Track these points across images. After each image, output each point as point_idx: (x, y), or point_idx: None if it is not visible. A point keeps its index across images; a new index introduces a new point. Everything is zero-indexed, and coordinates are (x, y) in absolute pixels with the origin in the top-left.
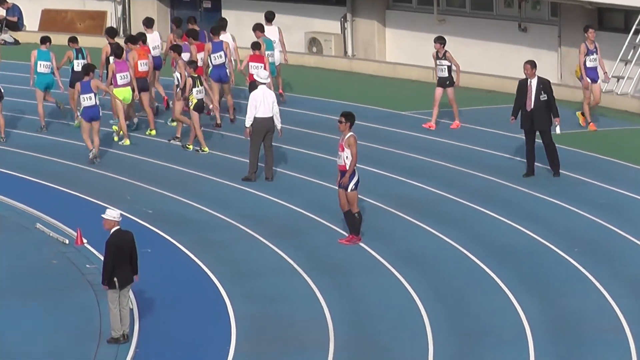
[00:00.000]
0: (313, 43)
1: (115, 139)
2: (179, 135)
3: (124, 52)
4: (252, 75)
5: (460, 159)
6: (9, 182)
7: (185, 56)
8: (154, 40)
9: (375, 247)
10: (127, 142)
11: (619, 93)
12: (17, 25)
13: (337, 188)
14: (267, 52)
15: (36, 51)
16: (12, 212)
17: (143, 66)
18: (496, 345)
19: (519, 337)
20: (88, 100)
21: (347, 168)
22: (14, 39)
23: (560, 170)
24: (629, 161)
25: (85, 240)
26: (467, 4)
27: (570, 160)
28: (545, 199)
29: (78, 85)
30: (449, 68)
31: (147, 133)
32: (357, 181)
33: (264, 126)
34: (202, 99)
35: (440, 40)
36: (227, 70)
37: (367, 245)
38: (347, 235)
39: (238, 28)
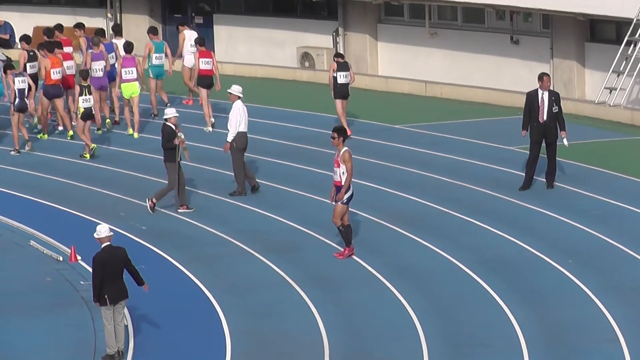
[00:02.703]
0: (305, 58)
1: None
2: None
3: (133, 48)
4: (202, 70)
5: (453, 172)
6: (3, 200)
7: (100, 64)
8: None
9: (369, 260)
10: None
11: (611, 104)
12: (9, 43)
13: (331, 203)
14: (154, 55)
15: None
16: (6, 229)
17: (56, 74)
18: (491, 357)
19: (513, 349)
20: None
21: (343, 183)
22: (6, 56)
23: (554, 182)
24: (622, 172)
25: (79, 257)
26: (459, 17)
27: (563, 172)
28: (538, 211)
29: None
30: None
31: (67, 137)
32: (351, 196)
33: (245, 140)
34: (90, 107)
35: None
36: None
37: (361, 258)
38: (342, 249)
39: (230, 43)
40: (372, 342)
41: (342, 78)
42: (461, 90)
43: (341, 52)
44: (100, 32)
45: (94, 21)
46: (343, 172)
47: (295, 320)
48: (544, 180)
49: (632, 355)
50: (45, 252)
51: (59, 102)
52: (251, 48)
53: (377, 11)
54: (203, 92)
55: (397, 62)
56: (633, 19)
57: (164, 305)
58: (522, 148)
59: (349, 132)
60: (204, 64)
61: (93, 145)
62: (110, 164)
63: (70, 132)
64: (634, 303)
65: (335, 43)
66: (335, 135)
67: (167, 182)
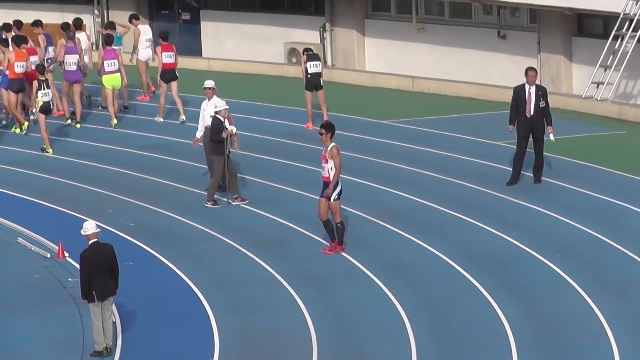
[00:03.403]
0: (292, 53)
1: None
2: None
3: (113, 40)
4: (166, 64)
5: (440, 167)
6: None
7: (74, 58)
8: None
9: (358, 256)
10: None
11: (598, 99)
12: None
13: (318, 198)
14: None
15: None
16: None
17: (20, 68)
18: (480, 352)
19: (502, 344)
20: None
21: (331, 179)
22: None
23: (541, 177)
24: (609, 167)
25: (66, 254)
26: (446, 12)
27: (550, 166)
28: (526, 206)
29: None
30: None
31: (13, 130)
32: (340, 191)
33: None
34: (48, 101)
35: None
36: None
37: (349, 254)
38: (329, 244)
39: (217, 39)
40: (360, 338)
41: (312, 68)
42: (448, 86)
43: (311, 47)
44: (66, 26)
45: (81, 17)
46: (331, 168)
47: (283, 317)
48: (532, 175)
49: (620, 349)
50: (32, 249)
51: (21, 96)
52: (238, 44)
53: (364, 6)
54: (164, 86)
55: (384, 58)
56: (620, 14)
57: (152, 302)
58: (509, 143)
59: (311, 126)
60: (167, 58)
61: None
62: (97, 160)
63: (17, 130)
64: (622, 297)
65: (323, 39)
66: (323, 131)
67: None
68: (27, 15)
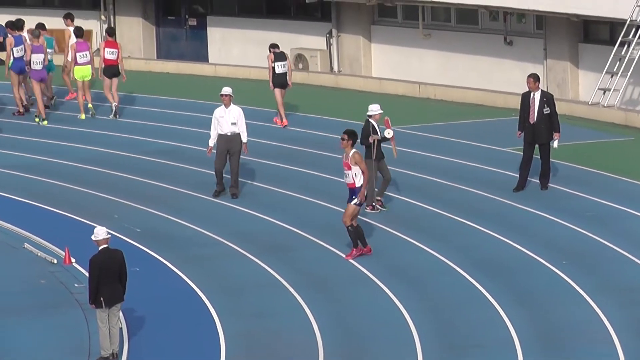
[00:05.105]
0: (299, 59)
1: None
2: None
3: (84, 33)
4: (107, 60)
5: (447, 173)
6: None
7: (39, 57)
8: None
9: (363, 261)
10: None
11: (605, 105)
12: (2, 45)
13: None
14: (49, 50)
15: None
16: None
17: None
18: (485, 358)
19: (508, 350)
20: None
21: (357, 185)
22: (0, 59)
23: (548, 184)
24: (616, 173)
25: (73, 260)
26: (453, 18)
27: (557, 173)
28: (532, 212)
29: None
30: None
31: None
32: (365, 197)
33: None
34: None
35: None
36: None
37: (355, 260)
38: (352, 250)
39: (224, 44)
40: (366, 344)
41: (279, 68)
42: (455, 92)
43: (279, 48)
44: (19, 23)
45: (87, 23)
46: (355, 174)
47: (289, 322)
48: (538, 181)
49: (626, 355)
50: (39, 254)
51: None
52: (245, 49)
53: (370, 12)
54: (107, 81)
55: (390, 64)
56: (626, 20)
57: (158, 308)
58: (515, 149)
59: (285, 123)
60: (109, 54)
61: None
62: (104, 166)
63: None
64: (628, 303)
65: (329, 45)
66: (346, 137)
67: None
68: (32, 21)
